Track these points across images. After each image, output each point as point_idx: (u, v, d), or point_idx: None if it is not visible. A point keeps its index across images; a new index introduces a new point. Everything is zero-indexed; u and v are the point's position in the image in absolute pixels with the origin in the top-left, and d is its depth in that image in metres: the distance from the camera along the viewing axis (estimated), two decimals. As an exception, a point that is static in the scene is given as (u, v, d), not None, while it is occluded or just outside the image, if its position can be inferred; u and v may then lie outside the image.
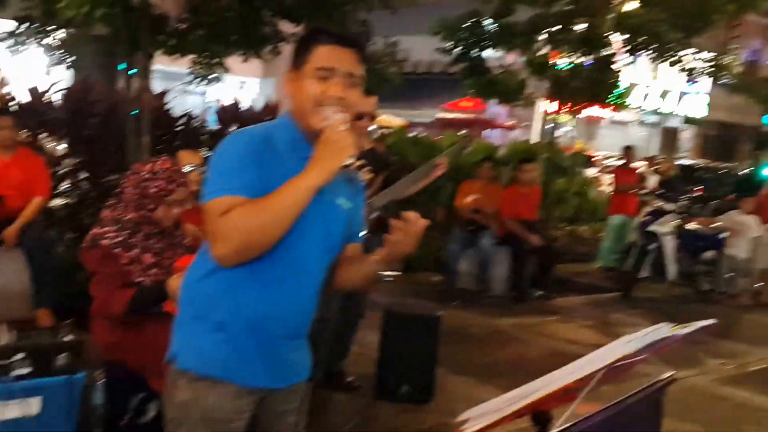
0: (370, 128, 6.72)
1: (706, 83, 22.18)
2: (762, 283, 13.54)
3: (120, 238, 4.73)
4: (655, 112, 40.16)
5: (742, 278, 13.47)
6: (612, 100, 16.47)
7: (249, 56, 11.37)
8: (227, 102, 12.02)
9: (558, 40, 15.15)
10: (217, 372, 3.00)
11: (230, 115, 11.54)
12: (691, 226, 13.96)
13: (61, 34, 11.30)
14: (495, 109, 32.16)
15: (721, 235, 13.60)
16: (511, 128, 35.44)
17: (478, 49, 15.96)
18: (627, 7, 15.81)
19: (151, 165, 4.86)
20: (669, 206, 13.26)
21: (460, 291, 11.60)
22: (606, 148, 33.06)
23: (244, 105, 12.19)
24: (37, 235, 8.19)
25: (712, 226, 13.99)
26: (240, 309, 2.99)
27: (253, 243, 2.87)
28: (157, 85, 11.24)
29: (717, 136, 43.98)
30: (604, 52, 15.41)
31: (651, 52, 16.12)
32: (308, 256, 3.05)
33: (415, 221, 3.01)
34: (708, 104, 39.55)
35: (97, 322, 4.86)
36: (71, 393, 4.81)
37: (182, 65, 12.43)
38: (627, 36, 15.55)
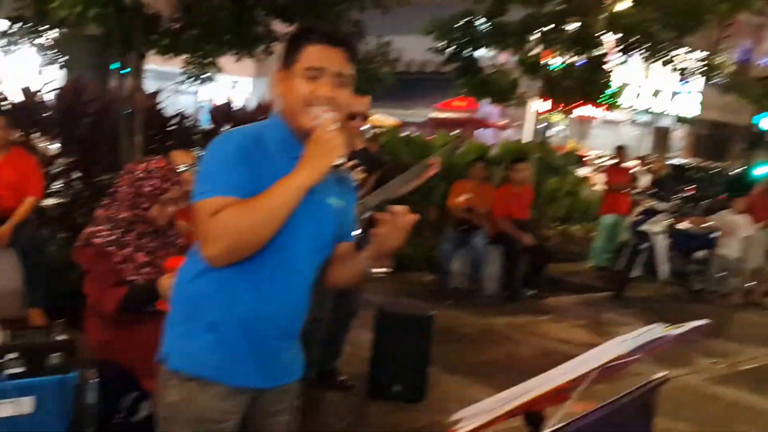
0: (362, 128, 6.74)
1: (698, 83, 22.19)
2: (754, 283, 13.58)
3: (113, 237, 4.74)
4: (647, 112, 40.21)
5: (734, 277, 13.51)
6: (604, 100, 16.49)
7: (242, 56, 11.36)
8: (220, 101, 12.02)
9: (550, 39, 15.15)
10: (207, 373, 3.00)
11: (223, 114, 11.55)
12: (683, 225, 14.00)
13: (54, 33, 11.28)
14: (487, 108, 32.15)
15: (712, 235, 13.64)
16: (503, 128, 35.43)
17: (470, 49, 15.97)
18: (619, 7, 15.83)
19: (145, 164, 4.87)
20: (661, 206, 13.28)
21: (452, 290, 11.62)
22: (598, 147, 33.07)
23: (237, 104, 12.19)
24: (30, 234, 8.19)
25: (703, 225, 14.03)
26: (231, 309, 2.99)
27: (243, 243, 2.87)
28: (149, 85, 11.25)
29: (709, 136, 44.01)
30: (597, 52, 15.42)
31: (643, 51, 16.14)
32: (299, 255, 3.05)
33: (403, 215, 3.02)
34: (700, 104, 39.60)
35: (90, 321, 4.87)
36: (64, 392, 4.82)
37: (175, 65, 12.43)
38: (619, 35, 15.55)
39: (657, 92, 37.83)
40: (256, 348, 3.03)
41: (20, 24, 11.12)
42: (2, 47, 11.90)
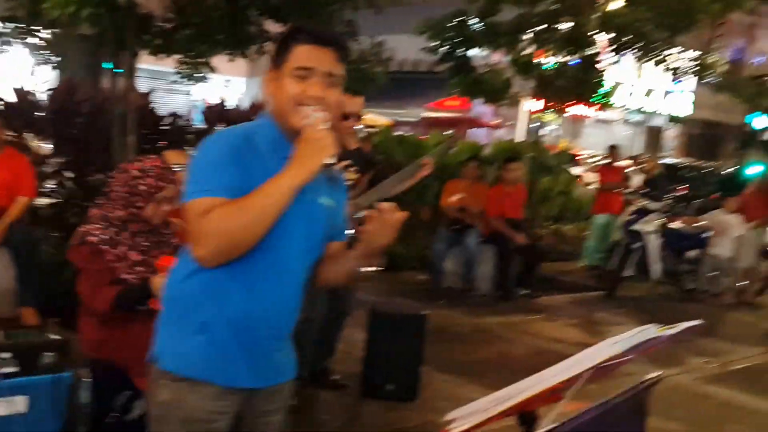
0: (356, 128, 6.76)
1: (690, 82, 22.22)
2: (746, 282, 13.61)
3: (107, 236, 4.74)
4: (639, 111, 40.25)
5: (725, 277, 13.54)
6: (597, 99, 16.50)
7: (235, 56, 11.37)
8: (213, 101, 12.02)
9: (543, 39, 15.16)
10: (198, 373, 3.00)
11: (216, 114, 11.55)
12: (675, 225, 14.03)
13: (47, 34, 11.27)
14: (480, 108, 32.15)
15: (704, 234, 13.67)
16: (496, 127, 35.46)
17: (463, 49, 15.96)
18: (612, 6, 15.84)
19: (140, 163, 4.87)
20: (653, 205, 13.31)
21: (445, 290, 11.65)
22: (591, 146, 33.11)
23: (230, 104, 12.19)
24: (23, 233, 8.18)
25: (695, 225, 14.06)
26: (222, 310, 2.99)
27: (233, 243, 2.87)
28: (142, 84, 11.24)
29: (701, 135, 44.08)
30: (589, 51, 15.43)
31: (636, 51, 16.15)
32: (291, 255, 3.05)
33: (391, 212, 3.02)
34: (692, 103, 39.65)
35: (84, 320, 4.87)
36: (58, 391, 4.83)
37: (167, 64, 12.42)
38: (612, 35, 15.56)
39: (649, 91, 37.90)
40: (247, 348, 3.03)
41: (13, 24, 11.11)
42: (-5, 47, 11.91)
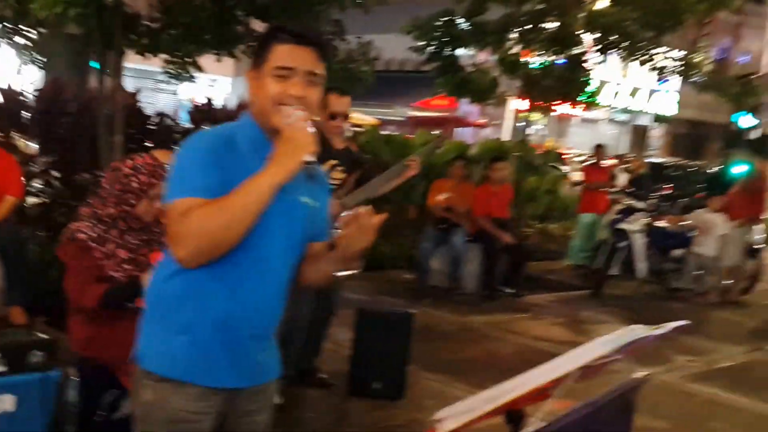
0: (343, 128, 6.77)
1: (675, 81, 22.27)
2: (731, 281, 13.66)
3: (95, 233, 4.75)
4: (625, 111, 40.36)
5: (710, 276, 13.59)
6: (583, 99, 16.54)
7: (222, 55, 11.37)
8: (200, 100, 12.02)
9: (529, 38, 15.19)
10: (181, 374, 3.00)
11: (203, 113, 11.55)
12: (661, 224, 14.08)
13: (33, 34, 11.25)
14: (467, 107, 32.19)
15: (689, 233, 13.72)
16: (482, 126, 35.51)
17: (450, 48, 15.98)
18: (598, 6, 15.89)
19: (131, 161, 4.87)
20: (639, 204, 13.36)
21: (432, 289, 11.64)
22: (577, 146, 33.18)
23: (217, 103, 12.19)
24: (10, 233, 8.17)
25: (680, 224, 14.11)
26: (205, 310, 2.98)
27: (214, 244, 2.86)
28: (128, 83, 11.24)
29: (686, 134, 44.22)
30: (576, 51, 15.47)
31: (622, 50, 16.19)
32: (272, 254, 3.04)
33: (368, 216, 3.01)
34: (678, 102, 39.76)
35: (72, 318, 4.87)
36: (45, 390, 4.83)
37: (154, 63, 12.42)
38: (598, 35, 15.60)
39: (635, 91, 38.00)
40: (230, 348, 3.02)
41: (0, 24, 11.09)
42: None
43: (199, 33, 10.39)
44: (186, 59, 11.76)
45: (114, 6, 8.84)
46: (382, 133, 17.67)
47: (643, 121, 43.08)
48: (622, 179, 16.17)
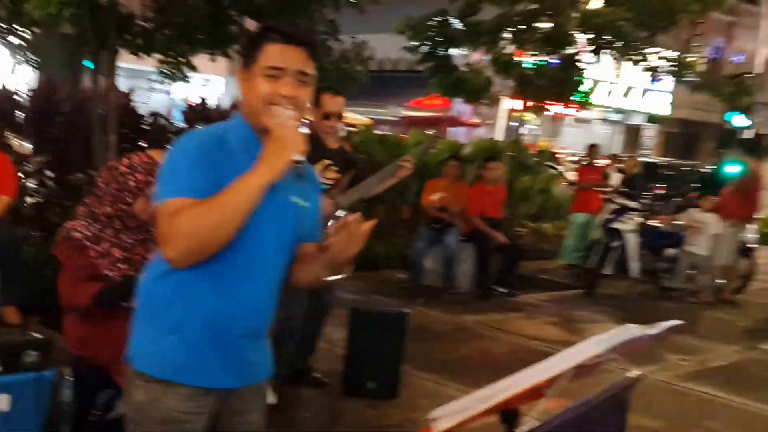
0: (337, 127, 6.78)
1: (669, 81, 22.29)
2: (724, 281, 13.69)
3: (91, 232, 4.75)
4: (618, 110, 40.39)
5: (703, 275, 13.62)
6: (576, 98, 16.56)
7: (216, 55, 11.37)
8: (194, 100, 12.01)
9: (523, 39, 15.21)
10: (172, 374, 2.99)
11: (197, 113, 11.55)
12: (654, 223, 14.10)
13: (27, 34, 11.24)
14: (460, 106, 32.21)
15: (683, 233, 13.74)
16: (476, 126, 35.51)
17: (444, 48, 15.99)
18: (591, 6, 15.91)
19: (128, 160, 4.87)
20: (632, 204, 13.37)
21: (425, 288, 11.65)
22: (570, 145, 33.19)
23: (211, 103, 12.19)
24: (5, 233, 8.17)
25: (673, 223, 14.14)
26: (195, 310, 2.98)
27: (203, 244, 2.85)
28: (122, 83, 11.23)
29: (680, 134, 44.27)
30: (569, 51, 15.49)
31: (615, 50, 16.20)
32: (262, 254, 3.04)
33: (357, 224, 2.99)
34: (671, 102, 39.79)
35: (67, 318, 4.87)
36: (40, 390, 4.82)
37: (147, 63, 12.42)
38: (591, 35, 15.61)
39: (628, 90, 38.02)
40: (221, 348, 3.02)
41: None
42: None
43: (193, 33, 10.40)
44: (180, 59, 11.76)
45: (108, 6, 8.85)
46: (376, 132, 17.68)
47: (636, 120, 43.12)
48: (616, 179, 16.16)
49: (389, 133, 19.42)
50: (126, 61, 11.71)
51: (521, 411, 2.75)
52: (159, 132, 10.70)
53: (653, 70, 17.18)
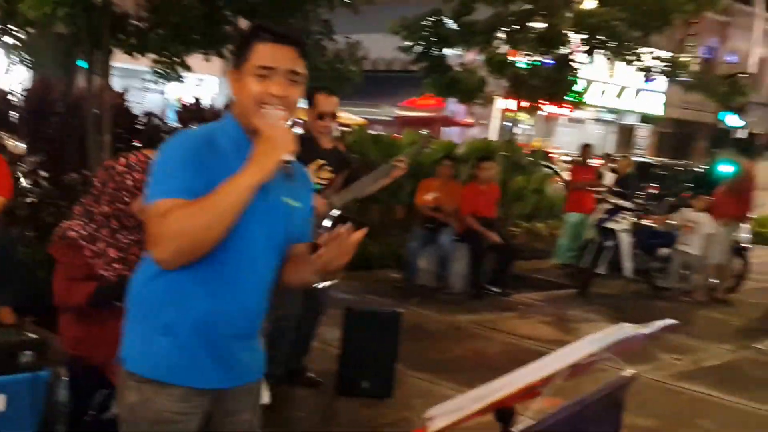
0: (332, 127, 6.79)
1: (662, 81, 22.32)
2: (717, 281, 13.72)
3: (87, 232, 4.75)
4: (611, 110, 40.42)
5: (696, 274, 13.64)
6: (570, 98, 16.56)
7: (210, 55, 11.37)
8: (188, 100, 12.02)
9: (517, 39, 15.21)
10: (163, 375, 3.00)
11: (190, 113, 11.55)
12: (647, 223, 14.12)
13: (22, 34, 11.24)
14: (453, 106, 32.21)
15: (676, 232, 13.77)
16: (469, 126, 35.52)
17: (438, 48, 15.99)
18: (586, 6, 15.91)
19: (125, 159, 4.88)
20: (625, 203, 13.39)
21: (419, 288, 11.65)
22: (563, 145, 33.23)
23: (205, 103, 12.20)
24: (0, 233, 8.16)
25: (666, 222, 14.16)
26: (186, 311, 2.99)
27: (194, 244, 2.85)
28: (116, 83, 11.23)
29: (673, 134, 44.32)
30: (563, 51, 15.49)
31: (609, 50, 16.20)
32: (253, 255, 3.05)
33: (347, 236, 2.97)
34: (664, 102, 39.84)
35: (63, 317, 4.88)
36: (36, 390, 4.82)
37: (141, 63, 12.42)
38: (585, 36, 15.61)
39: (622, 90, 38.06)
40: (212, 349, 3.03)
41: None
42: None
43: (188, 33, 10.40)
44: (174, 59, 11.76)
45: (102, 6, 8.85)
46: (370, 132, 17.67)
47: (629, 120, 43.16)
48: (609, 178, 16.19)
49: (383, 133, 19.43)
50: (120, 61, 11.70)
51: (517, 410, 2.76)
52: (153, 132, 10.70)
53: (647, 70, 17.18)
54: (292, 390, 7.05)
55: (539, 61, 15.54)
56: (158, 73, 12.35)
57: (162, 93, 24.91)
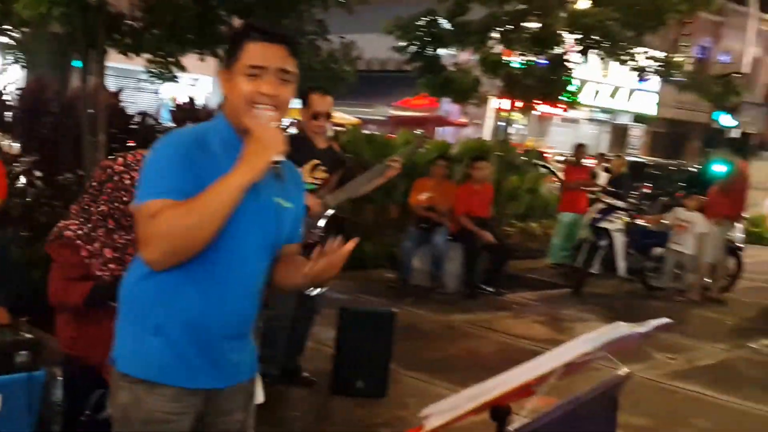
0: (326, 127, 6.80)
1: (655, 81, 22.33)
2: (711, 281, 13.74)
3: (83, 231, 4.75)
4: (605, 110, 40.43)
5: (690, 274, 13.66)
6: (564, 98, 16.58)
7: (205, 55, 11.37)
8: (182, 99, 12.00)
9: (511, 39, 15.23)
10: (155, 375, 3.00)
11: (185, 113, 11.54)
12: (641, 222, 14.14)
13: (17, 34, 11.23)
14: (447, 106, 32.20)
15: (669, 232, 13.78)
16: (463, 125, 35.51)
17: (432, 48, 16.01)
18: (579, 6, 15.94)
19: (122, 159, 4.87)
20: (619, 203, 13.40)
21: (413, 288, 11.67)
22: (557, 145, 33.22)
23: (199, 102, 12.19)
24: (-6, 233, 8.17)
25: (660, 222, 14.19)
26: (177, 312, 2.99)
27: (184, 245, 2.86)
28: (111, 83, 11.22)
29: (666, 134, 44.34)
30: (557, 51, 15.51)
31: (602, 50, 16.22)
32: (244, 255, 3.04)
33: (337, 251, 2.98)
34: (657, 102, 39.86)
35: (59, 317, 4.88)
36: (31, 390, 4.82)
37: (136, 62, 12.42)
38: (579, 36, 15.63)
39: (615, 90, 38.07)
40: (204, 349, 3.03)
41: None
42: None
43: (182, 32, 10.39)
44: (169, 59, 11.76)
45: (97, 5, 8.84)
46: (364, 132, 17.68)
47: (623, 120, 43.17)
48: (603, 178, 16.21)
49: (377, 133, 19.44)
50: (115, 61, 11.70)
51: (511, 408, 2.77)
52: (147, 132, 10.69)
53: (640, 70, 17.22)
54: (287, 389, 7.05)
55: (533, 61, 15.57)
56: (153, 73, 12.35)
57: (156, 93, 24.88)
